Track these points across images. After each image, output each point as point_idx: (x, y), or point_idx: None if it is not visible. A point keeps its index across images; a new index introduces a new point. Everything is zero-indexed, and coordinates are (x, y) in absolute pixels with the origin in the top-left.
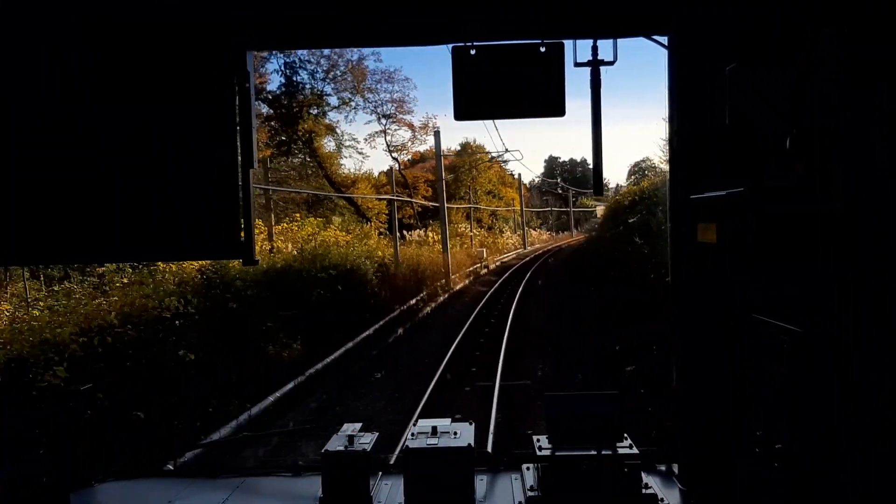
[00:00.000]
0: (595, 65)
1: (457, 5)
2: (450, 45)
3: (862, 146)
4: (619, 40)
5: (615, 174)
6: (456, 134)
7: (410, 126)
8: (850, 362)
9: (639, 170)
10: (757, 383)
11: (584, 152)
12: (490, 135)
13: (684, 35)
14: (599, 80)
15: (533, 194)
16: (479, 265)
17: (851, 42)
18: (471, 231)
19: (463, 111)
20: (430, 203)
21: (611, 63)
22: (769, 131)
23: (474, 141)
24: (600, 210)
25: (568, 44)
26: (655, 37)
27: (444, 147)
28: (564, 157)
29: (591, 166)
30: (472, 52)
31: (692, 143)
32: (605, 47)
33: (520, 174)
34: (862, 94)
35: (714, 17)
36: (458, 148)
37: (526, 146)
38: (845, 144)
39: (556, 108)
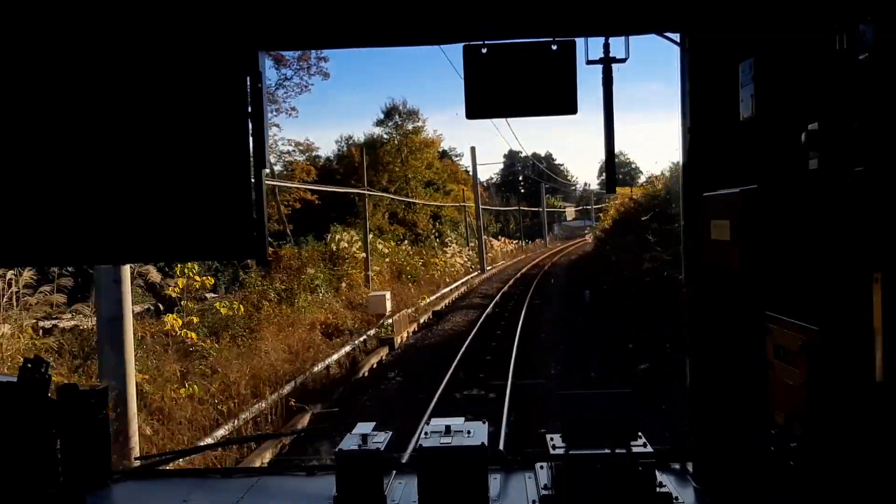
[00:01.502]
0: (607, 62)
1: (468, 4)
2: (461, 44)
3: (877, 140)
4: (631, 38)
5: (584, 173)
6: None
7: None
8: (867, 361)
9: None
10: (772, 381)
11: (547, 146)
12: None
13: (698, 31)
14: (611, 77)
15: (492, 194)
16: (368, 339)
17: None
18: (364, 251)
19: (474, 110)
20: (326, 187)
21: (623, 60)
22: (783, 127)
23: (404, 103)
24: (570, 212)
25: (579, 41)
26: (667, 34)
27: None
28: (527, 152)
29: (556, 161)
30: (484, 50)
31: (705, 140)
32: (616, 45)
33: (473, 148)
34: (875, 89)
35: (728, 13)
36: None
37: (485, 141)
38: (860, 138)
39: (567, 106)
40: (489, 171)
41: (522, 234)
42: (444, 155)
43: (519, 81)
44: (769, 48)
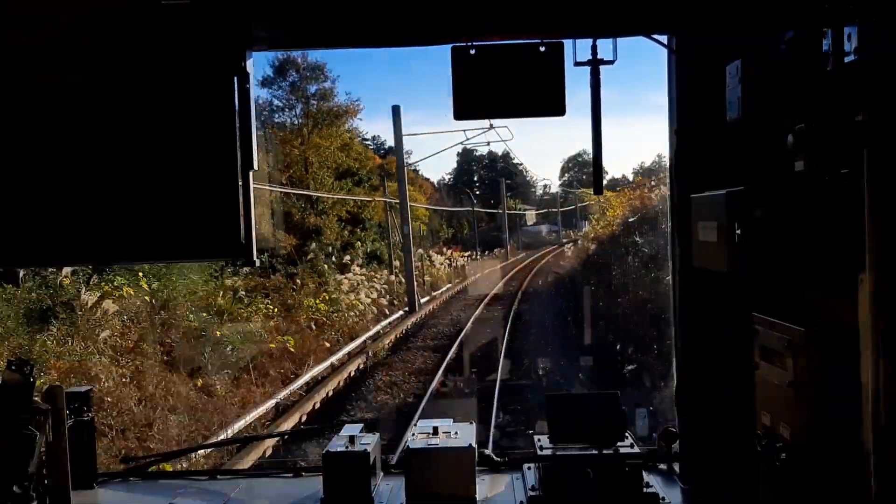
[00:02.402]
0: (595, 64)
1: (456, 5)
2: (449, 45)
3: (864, 141)
4: (619, 39)
5: (544, 173)
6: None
7: None
8: (853, 361)
9: (575, 164)
10: (759, 382)
11: (504, 144)
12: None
13: (686, 33)
14: (599, 79)
15: (443, 195)
16: None
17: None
18: None
19: (462, 111)
20: None
21: (611, 62)
22: (770, 129)
23: (304, 56)
24: (531, 216)
25: (567, 43)
26: (655, 35)
27: None
28: (482, 150)
29: (514, 160)
30: (472, 51)
31: (692, 142)
32: (604, 47)
33: (395, 107)
34: (862, 90)
35: (716, 15)
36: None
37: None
38: (849, 140)
39: (556, 107)
40: (441, 171)
41: (478, 242)
42: (388, 152)
43: (507, 83)
44: (756, 50)
